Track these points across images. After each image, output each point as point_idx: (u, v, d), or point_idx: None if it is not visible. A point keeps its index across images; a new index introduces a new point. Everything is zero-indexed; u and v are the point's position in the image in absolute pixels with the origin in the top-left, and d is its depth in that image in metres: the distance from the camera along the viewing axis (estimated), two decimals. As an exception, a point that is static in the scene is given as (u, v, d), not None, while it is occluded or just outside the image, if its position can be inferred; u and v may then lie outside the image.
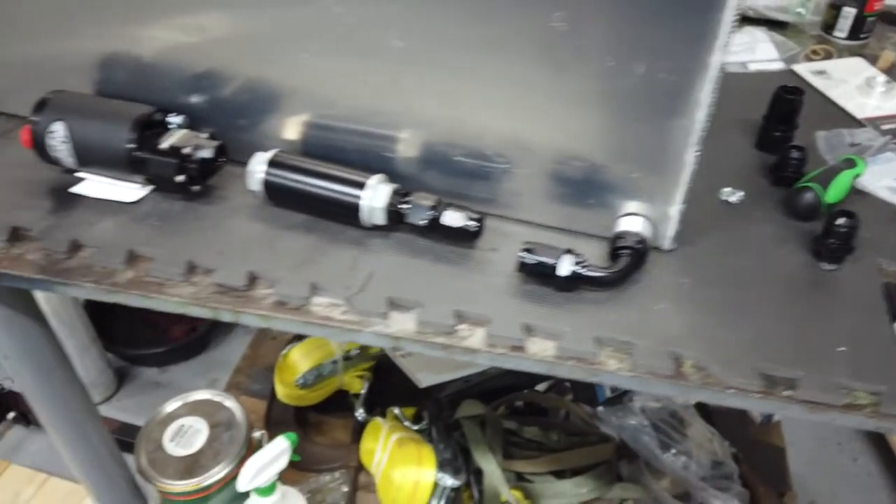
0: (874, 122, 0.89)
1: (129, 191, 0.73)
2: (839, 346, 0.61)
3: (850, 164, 0.75)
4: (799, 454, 1.36)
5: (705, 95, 0.58)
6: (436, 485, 1.12)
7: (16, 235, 0.69)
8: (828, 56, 1.04)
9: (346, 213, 0.69)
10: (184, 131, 0.73)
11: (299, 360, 1.27)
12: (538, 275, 0.64)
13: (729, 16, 0.53)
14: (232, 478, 1.00)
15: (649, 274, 0.67)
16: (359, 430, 1.27)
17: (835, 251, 0.67)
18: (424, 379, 1.25)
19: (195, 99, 0.75)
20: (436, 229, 0.68)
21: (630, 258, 0.65)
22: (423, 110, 0.68)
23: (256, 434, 1.07)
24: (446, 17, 0.62)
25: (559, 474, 1.20)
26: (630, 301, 0.64)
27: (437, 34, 0.63)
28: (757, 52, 1.03)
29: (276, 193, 0.71)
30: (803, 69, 1.00)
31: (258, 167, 0.70)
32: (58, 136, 0.70)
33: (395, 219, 0.68)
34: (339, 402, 1.33)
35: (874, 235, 0.70)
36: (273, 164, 0.70)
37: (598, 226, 0.69)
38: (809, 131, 0.85)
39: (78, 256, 0.68)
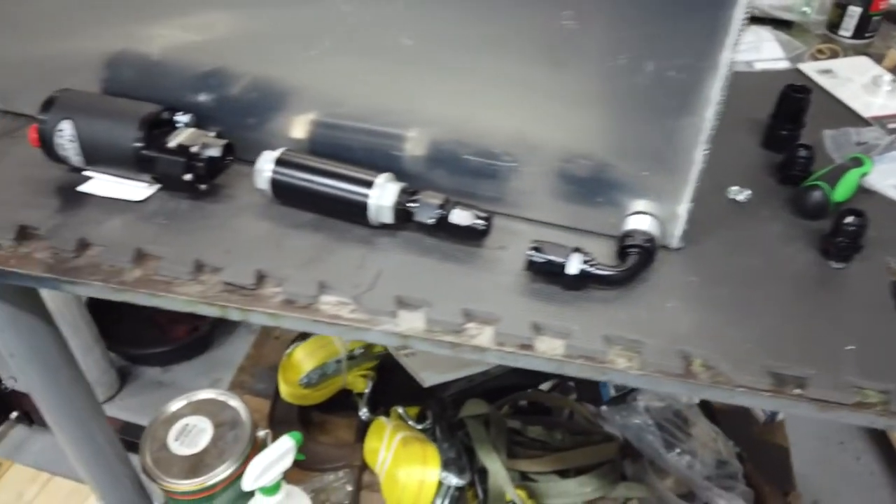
0: (880, 121, 0.89)
1: (137, 189, 0.73)
2: (848, 345, 0.61)
3: (858, 162, 0.75)
4: (801, 453, 1.35)
5: (715, 93, 0.58)
6: (440, 484, 1.12)
7: (23, 234, 0.69)
8: (833, 55, 1.04)
9: (354, 212, 0.69)
10: (191, 130, 0.73)
11: (303, 359, 1.27)
12: (546, 273, 0.64)
13: (740, 13, 0.53)
14: (236, 477, 1.00)
15: (657, 272, 0.67)
16: (362, 429, 1.27)
17: (843, 250, 0.67)
18: (428, 378, 1.25)
19: (202, 97, 0.74)
20: (443, 228, 0.68)
21: (639, 256, 0.65)
22: (430, 109, 0.68)
23: (261, 433, 1.07)
24: (455, 16, 0.62)
25: (563, 473, 1.20)
26: (638, 299, 0.64)
27: (446, 33, 0.63)
28: (762, 52, 1.03)
29: (283, 192, 0.71)
30: (809, 68, 1.00)
31: (266, 166, 0.70)
32: (65, 134, 0.70)
33: (403, 217, 0.68)
34: (343, 402, 1.32)
35: (882, 234, 0.70)
36: (280, 162, 0.70)
37: (606, 224, 0.69)
38: (816, 130, 0.85)
39: (86, 255, 0.68)
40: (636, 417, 1.22)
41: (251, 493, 0.98)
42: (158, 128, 0.71)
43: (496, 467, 1.14)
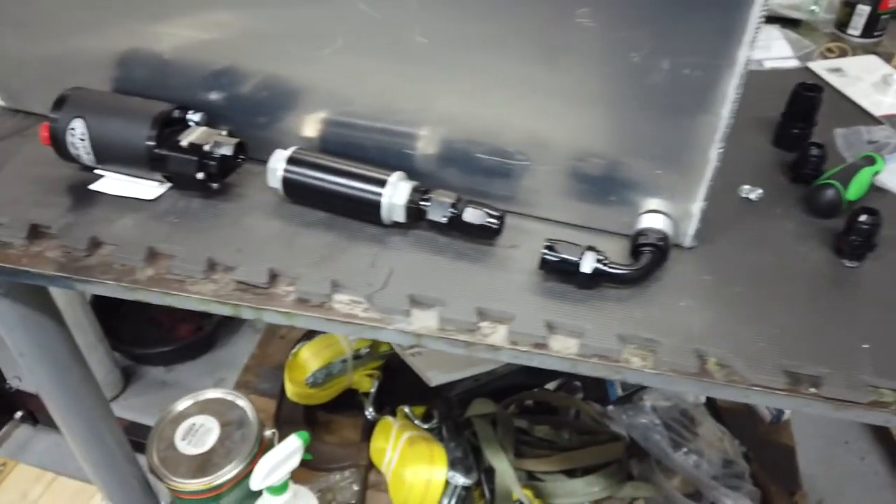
0: (891, 120, 0.89)
1: (148, 188, 0.73)
2: (862, 344, 0.61)
3: (870, 161, 0.75)
4: (805, 453, 1.35)
5: (731, 91, 0.58)
6: (447, 483, 1.12)
7: (35, 233, 0.69)
8: (842, 54, 1.04)
9: (366, 211, 0.69)
10: (203, 128, 0.73)
11: (309, 358, 1.27)
12: (560, 272, 0.64)
13: (757, 11, 0.53)
14: (244, 476, 1.00)
15: (671, 271, 0.67)
16: (368, 428, 1.27)
17: (857, 248, 0.67)
18: (434, 377, 1.25)
19: (214, 96, 0.74)
20: (456, 226, 0.67)
21: (652, 255, 0.64)
22: (443, 107, 0.68)
23: (268, 433, 1.07)
24: (469, 14, 0.62)
25: (570, 473, 1.20)
26: (652, 298, 0.64)
27: (461, 31, 0.63)
28: (772, 50, 1.03)
29: (295, 191, 0.71)
30: (819, 67, 1.00)
31: (278, 164, 0.70)
32: (77, 133, 0.70)
33: (415, 216, 0.68)
34: (349, 401, 1.32)
35: (894, 233, 0.70)
36: (292, 161, 0.70)
37: (619, 223, 0.69)
38: (827, 129, 0.85)
39: (98, 254, 0.67)
40: (643, 417, 1.22)
41: (258, 493, 0.98)
42: (170, 126, 0.71)
43: (503, 467, 1.14)
